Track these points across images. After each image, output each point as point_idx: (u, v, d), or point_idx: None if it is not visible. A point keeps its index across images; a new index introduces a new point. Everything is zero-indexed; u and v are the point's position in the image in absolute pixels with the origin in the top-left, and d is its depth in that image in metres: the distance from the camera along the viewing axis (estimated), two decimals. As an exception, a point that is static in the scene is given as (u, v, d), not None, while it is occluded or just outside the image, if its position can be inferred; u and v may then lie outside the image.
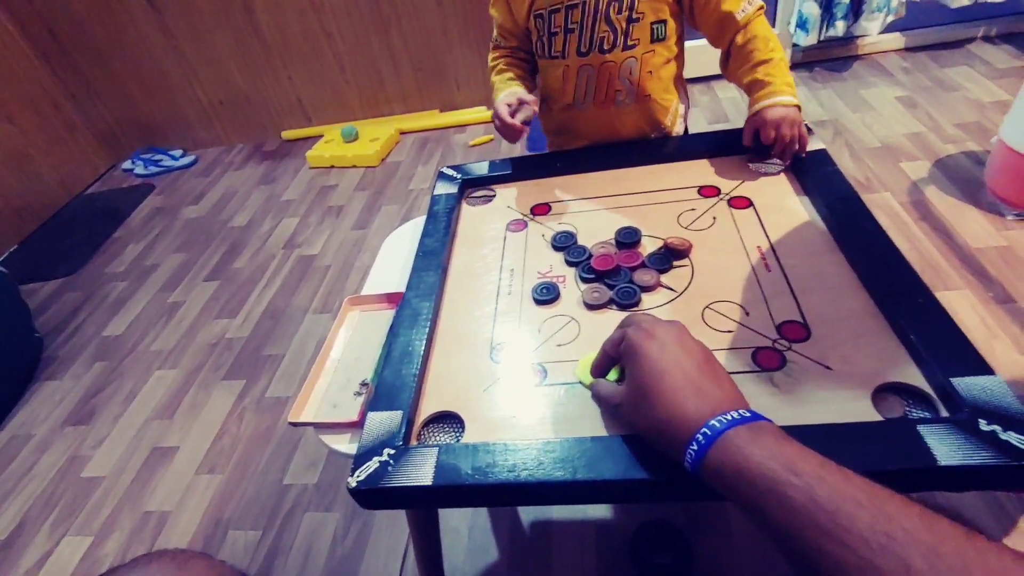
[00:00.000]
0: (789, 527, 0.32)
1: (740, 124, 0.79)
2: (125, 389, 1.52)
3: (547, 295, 0.63)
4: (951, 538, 0.28)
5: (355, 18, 2.28)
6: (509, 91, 0.86)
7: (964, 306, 1.22)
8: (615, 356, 0.48)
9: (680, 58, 0.88)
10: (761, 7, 0.79)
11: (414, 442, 0.51)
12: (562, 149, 0.96)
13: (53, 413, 1.50)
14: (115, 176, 2.68)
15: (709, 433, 0.37)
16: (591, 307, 0.61)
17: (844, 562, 0.29)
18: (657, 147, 0.85)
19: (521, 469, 0.45)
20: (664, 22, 0.81)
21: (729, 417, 0.38)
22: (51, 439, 1.42)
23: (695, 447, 0.38)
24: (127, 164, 2.67)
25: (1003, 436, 0.41)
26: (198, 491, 1.22)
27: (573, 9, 0.81)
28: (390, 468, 0.47)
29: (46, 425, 1.47)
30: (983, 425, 0.42)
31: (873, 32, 2.05)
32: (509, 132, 0.82)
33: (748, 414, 0.38)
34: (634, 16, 0.80)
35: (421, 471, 0.46)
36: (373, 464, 0.47)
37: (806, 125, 0.76)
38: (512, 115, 0.82)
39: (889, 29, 2.10)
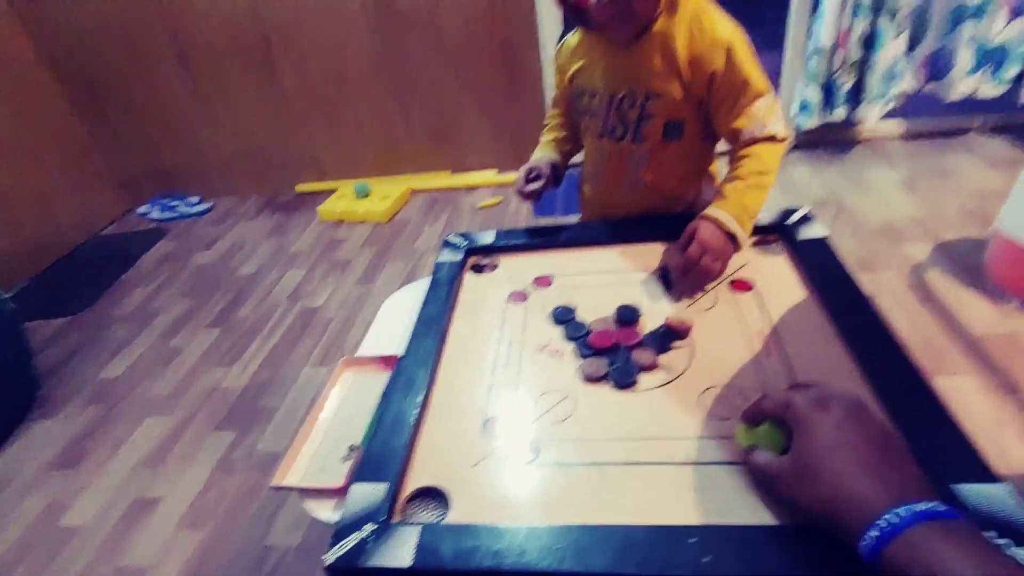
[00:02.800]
0: None
1: (768, 201, 0.78)
2: (115, 434, 1.50)
3: (566, 315, 0.69)
4: None
5: (375, 85, 2.39)
6: (539, 156, 0.94)
7: (969, 392, 1.20)
8: (772, 416, 0.45)
9: (705, 154, 0.88)
10: (773, 136, 0.76)
11: (397, 517, 0.50)
12: (583, 212, 1.02)
13: (40, 455, 1.47)
14: (131, 219, 2.74)
15: (896, 522, 0.34)
16: (589, 379, 0.61)
17: None
18: (662, 225, 0.87)
19: (505, 556, 0.43)
20: (681, 123, 0.81)
21: (921, 508, 0.34)
22: (34, 483, 1.39)
23: (876, 533, 0.34)
24: (144, 208, 2.74)
25: (1014, 551, 0.38)
26: (177, 547, 1.18)
27: (593, 96, 0.85)
28: (369, 546, 0.45)
29: (31, 467, 1.43)
30: (992, 539, 0.39)
31: (872, 119, 2.12)
32: (521, 196, 0.91)
33: (943, 508, 0.35)
34: (645, 115, 0.81)
35: (401, 551, 0.44)
36: (353, 540, 0.46)
37: (808, 211, 0.78)
38: (528, 181, 0.90)
39: (888, 116, 2.18)
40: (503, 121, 2.41)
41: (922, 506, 0.34)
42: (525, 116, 2.35)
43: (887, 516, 0.34)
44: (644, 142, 0.83)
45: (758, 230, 0.79)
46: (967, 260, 1.57)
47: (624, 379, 0.60)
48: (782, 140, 0.77)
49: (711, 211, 0.73)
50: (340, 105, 2.47)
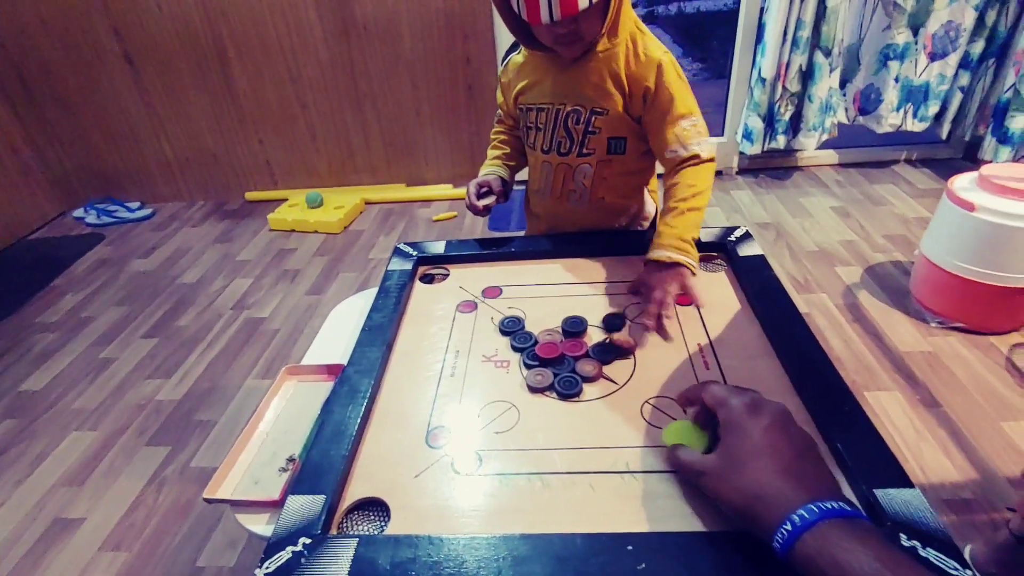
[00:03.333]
0: None
1: (713, 222, 0.81)
2: (34, 450, 1.39)
3: (514, 326, 0.69)
4: None
5: (331, 92, 2.37)
6: (487, 172, 0.95)
7: (894, 407, 1.27)
8: (707, 409, 0.48)
9: (647, 170, 0.92)
10: (696, 156, 0.79)
11: (334, 531, 0.49)
12: (529, 226, 1.03)
13: (-55, 474, 1.35)
14: (64, 223, 2.59)
15: (807, 516, 0.37)
16: (533, 390, 0.61)
17: None
18: (610, 240, 0.89)
19: (443, 567, 0.43)
20: (624, 139, 0.84)
21: (830, 506, 0.37)
22: (-63, 504, 1.28)
23: (789, 527, 0.37)
24: (79, 212, 2.59)
25: (923, 552, 0.41)
26: (98, 571, 1.10)
27: (540, 112, 0.87)
28: (303, 560, 0.44)
29: (-66, 488, 1.32)
30: (904, 540, 0.42)
31: (810, 147, 2.25)
32: (473, 210, 0.91)
33: (849, 508, 0.38)
34: (591, 129, 0.84)
35: (336, 565, 0.43)
36: (286, 555, 0.44)
37: (747, 230, 0.81)
38: (480, 196, 0.91)
39: (824, 146, 2.31)
40: (460, 135, 2.42)
41: (830, 504, 0.38)
42: (483, 131, 2.37)
43: (800, 512, 0.37)
44: (590, 156, 0.86)
45: (701, 247, 0.82)
46: (893, 282, 1.67)
47: (568, 390, 0.61)
48: (707, 160, 0.80)
49: (653, 254, 0.75)
50: (294, 113, 2.42)
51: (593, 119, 0.83)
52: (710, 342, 0.66)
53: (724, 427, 0.45)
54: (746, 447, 0.42)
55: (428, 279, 0.84)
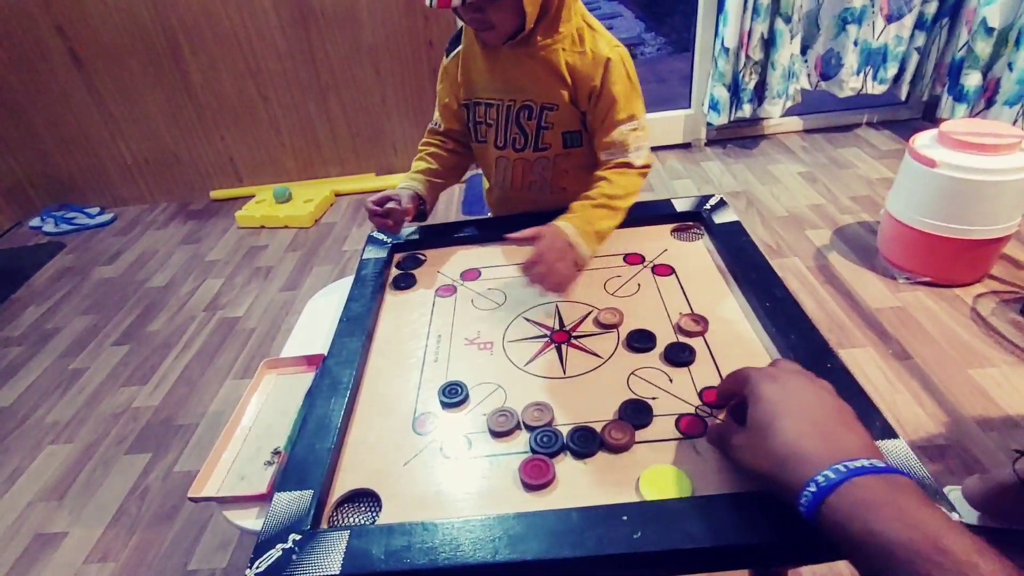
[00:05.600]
0: None
1: (663, 193, 0.81)
2: (8, 467, 1.35)
3: (454, 397, 0.58)
4: None
5: (292, 83, 2.30)
6: (403, 185, 0.87)
7: (868, 362, 1.31)
8: (734, 392, 0.47)
9: None
10: (630, 163, 0.77)
11: (325, 525, 0.48)
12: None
13: (-85, 500, 1.30)
14: (20, 234, 2.49)
15: (833, 477, 0.34)
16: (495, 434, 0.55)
17: None
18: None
19: (439, 552, 0.43)
20: (579, 132, 0.82)
21: (860, 464, 0.35)
22: (-91, 531, 1.23)
23: (813, 488, 0.35)
24: (35, 221, 2.49)
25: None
26: (86, 586, 1.08)
27: (490, 108, 0.84)
28: (295, 556, 0.43)
29: (-96, 515, 1.27)
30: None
31: (775, 115, 2.27)
32: (369, 215, 0.82)
33: (883, 465, 0.35)
34: (544, 124, 0.82)
35: (329, 559, 0.43)
36: (276, 552, 0.43)
37: (722, 198, 0.82)
38: (381, 210, 0.81)
39: (789, 113, 2.34)
40: (427, 121, 2.34)
41: (860, 463, 0.35)
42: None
43: (825, 472, 0.35)
44: (546, 150, 0.84)
45: (678, 216, 0.82)
46: (861, 242, 1.71)
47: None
48: (640, 168, 0.78)
49: (557, 221, 0.72)
50: (255, 106, 2.35)
51: (545, 114, 0.81)
52: (691, 310, 0.67)
53: (749, 399, 0.44)
54: (767, 411, 0.41)
55: (402, 285, 0.79)
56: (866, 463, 0.35)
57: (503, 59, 0.79)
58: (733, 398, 0.48)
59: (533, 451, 0.51)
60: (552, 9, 0.73)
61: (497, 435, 0.54)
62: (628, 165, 0.77)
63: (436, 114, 0.93)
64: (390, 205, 0.81)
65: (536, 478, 0.48)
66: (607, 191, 0.75)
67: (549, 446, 0.51)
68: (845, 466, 0.35)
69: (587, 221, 0.72)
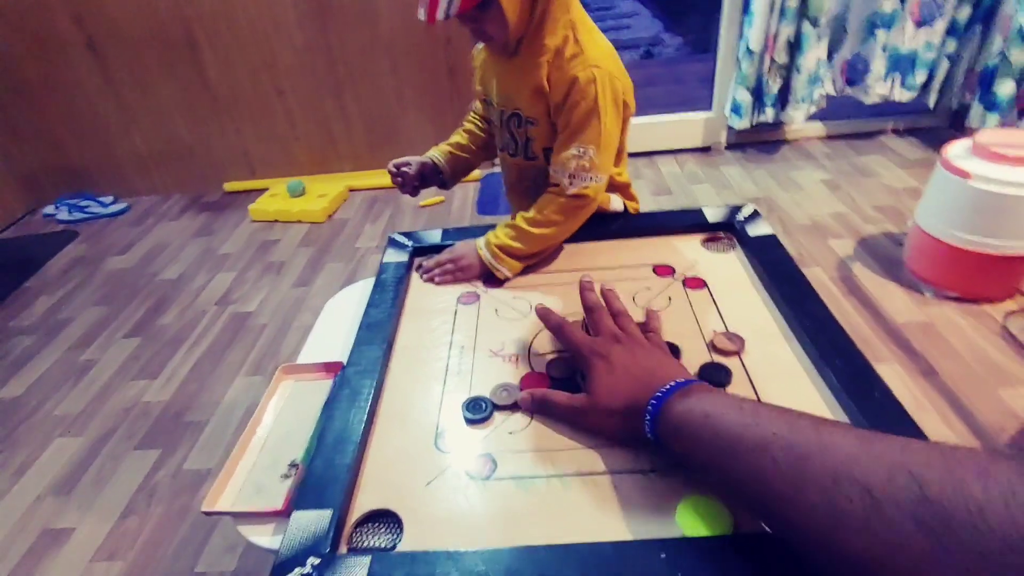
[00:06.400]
0: (759, 469, 0.35)
1: (681, 197, 0.80)
2: (17, 460, 1.35)
3: (478, 413, 0.56)
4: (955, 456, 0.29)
5: (308, 78, 2.28)
6: (428, 153, 0.96)
7: (894, 378, 1.27)
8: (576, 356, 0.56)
9: None
10: (559, 188, 0.75)
11: (344, 547, 0.46)
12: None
13: (-76, 489, 1.30)
14: (34, 221, 2.49)
15: (660, 395, 0.44)
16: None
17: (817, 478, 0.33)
18: (611, 223, 0.86)
19: (466, 584, 0.40)
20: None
21: (668, 385, 0.45)
22: (-83, 521, 1.23)
23: (650, 408, 0.44)
24: (49, 209, 2.49)
25: None
26: (92, 583, 1.07)
27: (491, 108, 0.84)
28: (315, 583, 0.41)
29: (-87, 504, 1.27)
30: None
31: (798, 120, 2.23)
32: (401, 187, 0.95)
33: (682, 380, 0.45)
34: (529, 136, 0.81)
35: (351, 588, 0.40)
36: (295, 578, 0.41)
37: (755, 209, 0.79)
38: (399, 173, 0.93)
39: (812, 118, 2.29)
40: (444, 119, 2.35)
41: (669, 384, 0.45)
42: (465, 114, 2.30)
43: (656, 394, 0.45)
44: (535, 160, 0.82)
45: (708, 227, 0.79)
46: (886, 254, 1.67)
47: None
48: (577, 198, 0.75)
49: (484, 237, 0.77)
50: (271, 100, 2.34)
51: (528, 128, 0.80)
52: (725, 327, 0.64)
53: (584, 367, 0.53)
54: (599, 384, 0.50)
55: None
56: (671, 383, 0.45)
57: (500, 66, 0.80)
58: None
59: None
60: (535, 20, 0.72)
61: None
62: (561, 191, 0.76)
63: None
64: (404, 169, 0.92)
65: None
66: (526, 214, 0.77)
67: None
68: (660, 390, 0.45)
69: (495, 234, 0.76)
